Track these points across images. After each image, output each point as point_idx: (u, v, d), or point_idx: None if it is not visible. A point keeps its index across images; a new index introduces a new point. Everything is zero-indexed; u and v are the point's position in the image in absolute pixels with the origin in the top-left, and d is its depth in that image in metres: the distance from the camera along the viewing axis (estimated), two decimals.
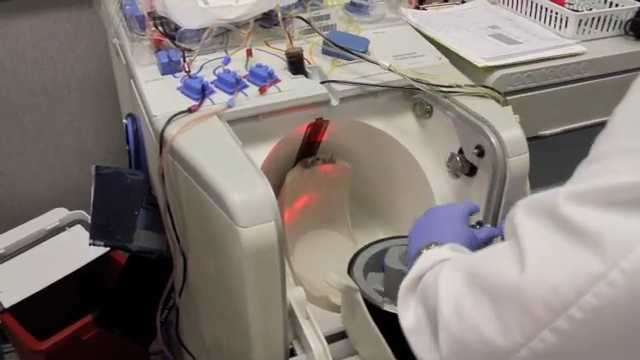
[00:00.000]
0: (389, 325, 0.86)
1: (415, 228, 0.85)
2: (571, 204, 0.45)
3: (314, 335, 0.89)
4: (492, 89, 1.06)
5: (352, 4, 1.24)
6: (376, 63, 1.06)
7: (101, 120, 1.74)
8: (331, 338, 0.95)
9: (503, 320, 0.50)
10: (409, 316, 0.66)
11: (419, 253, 0.73)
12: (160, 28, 1.09)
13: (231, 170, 0.85)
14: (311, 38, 1.15)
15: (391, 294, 0.90)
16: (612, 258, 0.42)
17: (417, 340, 0.64)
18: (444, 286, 0.59)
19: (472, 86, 1.07)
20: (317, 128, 1.11)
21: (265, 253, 0.81)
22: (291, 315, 0.91)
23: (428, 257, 0.70)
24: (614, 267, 0.42)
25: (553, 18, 1.37)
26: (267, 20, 1.15)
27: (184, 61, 1.05)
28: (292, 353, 0.92)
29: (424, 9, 1.49)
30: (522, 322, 0.48)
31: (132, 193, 1.12)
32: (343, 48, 1.09)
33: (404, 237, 1.03)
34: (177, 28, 1.08)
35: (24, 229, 1.59)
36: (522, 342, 0.48)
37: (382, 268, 0.94)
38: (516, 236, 0.50)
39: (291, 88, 1.03)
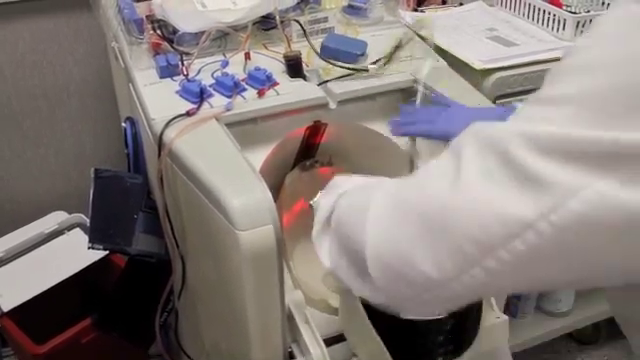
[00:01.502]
0: (387, 328, 0.86)
1: None
2: (520, 146, 0.43)
3: (313, 338, 0.90)
4: None
5: (350, 7, 1.24)
6: (365, 70, 1.07)
7: (100, 124, 1.74)
8: (330, 341, 0.95)
9: (436, 253, 0.50)
10: (327, 254, 0.67)
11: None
12: (158, 31, 1.09)
13: (229, 173, 0.86)
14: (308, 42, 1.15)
15: None
16: (544, 208, 0.42)
17: (345, 273, 0.64)
18: (368, 212, 0.58)
19: None
20: (315, 131, 1.11)
21: (264, 256, 0.81)
22: (290, 318, 0.91)
23: (332, 192, 0.71)
24: (544, 218, 0.42)
25: (551, 20, 1.37)
26: (265, 23, 1.15)
27: (182, 64, 1.05)
28: (291, 356, 0.92)
29: (422, 11, 1.49)
30: (454, 258, 0.48)
31: (131, 197, 1.12)
32: (332, 61, 1.09)
33: None
34: (175, 31, 1.08)
35: (23, 232, 1.59)
36: (453, 276, 0.49)
37: None
38: (459, 161, 0.49)
39: (289, 91, 1.03)
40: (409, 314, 0.59)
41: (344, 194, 0.68)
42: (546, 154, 0.42)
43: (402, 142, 1.11)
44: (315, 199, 0.80)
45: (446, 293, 0.51)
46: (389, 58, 1.09)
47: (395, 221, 0.55)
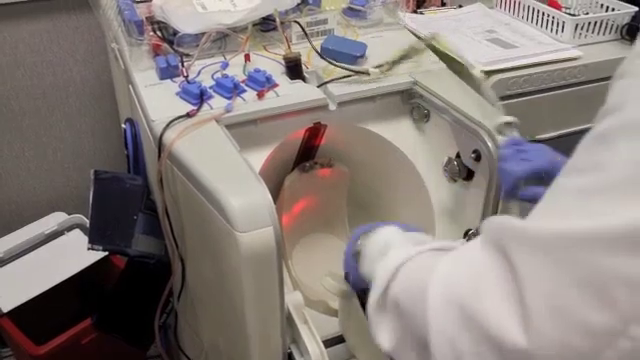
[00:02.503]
0: None
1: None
2: (581, 249, 0.42)
3: (312, 339, 0.90)
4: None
5: (350, 9, 1.24)
6: (367, 73, 1.07)
7: (100, 124, 1.74)
8: (329, 342, 0.96)
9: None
10: (386, 336, 0.64)
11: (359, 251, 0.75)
12: (158, 33, 1.09)
13: (229, 175, 0.86)
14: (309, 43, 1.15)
15: None
16: (630, 313, 0.41)
17: (403, 356, 0.62)
18: (434, 319, 0.55)
19: None
20: (315, 132, 1.11)
21: (263, 258, 0.81)
22: (289, 319, 0.91)
23: (387, 265, 0.66)
24: (633, 321, 0.41)
25: (550, 22, 1.37)
26: (265, 25, 1.16)
27: (182, 66, 1.05)
28: (290, 357, 0.92)
29: (422, 13, 1.50)
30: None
31: (131, 198, 1.12)
32: (334, 60, 1.09)
33: None
34: (175, 33, 1.08)
35: (23, 233, 1.59)
36: None
37: None
38: (514, 273, 0.47)
39: (289, 93, 1.04)
40: None
41: (397, 273, 0.64)
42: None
43: (400, 143, 1.12)
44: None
45: None
46: (391, 66, 1.09)
47: (456, 326, 0.52)
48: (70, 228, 1.64)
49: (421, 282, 0.58)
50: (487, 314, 0.49)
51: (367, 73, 1.07)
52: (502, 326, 0.47)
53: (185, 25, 1.07)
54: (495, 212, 0.99)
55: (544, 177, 0.84)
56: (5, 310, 1.41)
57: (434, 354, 0.54)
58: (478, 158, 1.00)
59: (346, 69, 1.07)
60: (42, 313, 1.42)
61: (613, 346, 0.42)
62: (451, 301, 0.53)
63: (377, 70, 1.07)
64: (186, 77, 1.04)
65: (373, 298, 0.66)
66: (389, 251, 0.71)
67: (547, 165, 0.83)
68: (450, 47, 1.10)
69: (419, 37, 1.22)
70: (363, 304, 0.89)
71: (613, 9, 1.39)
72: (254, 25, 1.12)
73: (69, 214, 1.65)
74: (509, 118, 0.95)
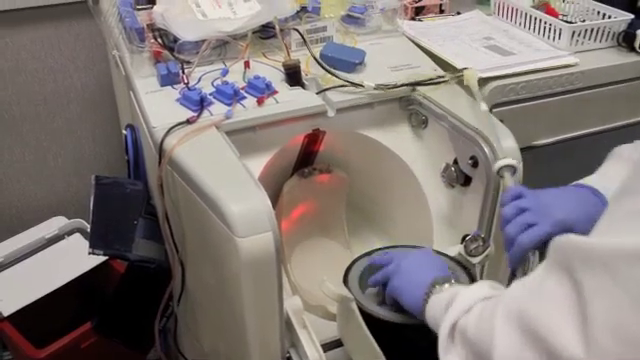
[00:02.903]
0: (383, 332, 0.87)
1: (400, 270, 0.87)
2: (634, 264, 0.45)
3: (311, 343, 0.90)
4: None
5: (349, 16, 1.25)
6: (361, 86, 1.08)
7: (100, 130, 1.75)
8: (327, 346, 0.96)
9: None
10: None
11: (432, 289, 0.76)
12: (159, 40, 1.10)
13: (229, 181, 0.87)
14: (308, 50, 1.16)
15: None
16: None
17: None
18: (501, 340, 0.57)
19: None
20: (314, 138, 1.12)
21: (262, 263, 0.82)
22: (288, 324, 0.92)
23: (464, 298, 0.69)
24: None
25: (547, 30, 1.38)
26: (265, 32, 1.17)
27: (183, 73, 1.06)
28: None
29: (420, 20, 1.51)
30: None
31: (131, 203, 1.13)
32: (333, 69, 1.10)
33: (400, 246, 1.04)
34: (176, 40, 1.09)
35: (23, 237, 1.60)
36: None
37: None
38: (578, 289, 0.49)
39: (288, 99, 1.05)
40: None
41: (469, 311, 0.67)
42: None
43: (398, 150, 1.13)
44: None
45: None
46: (397, 86, 1.10)
47: (520, 343, 0.54)
48: (70, 232, 1.64)
49: (491, 311, 0.61)
50: (549, 328, 0.51)
51: (361, 85, 1.08)
52: (563, 338, 0.50)
53: (185, 32, 1.09)
54: (492, 217, 1.00)
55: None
56: (6, 314, 1.42)
57: None
58: (475, 164, 1.01)
59: (342, 79, 1.08)
60: (42, 317, 1.42)
61: None
62: (516, 320, 0.56)
63: (372, 84, 1.07)
64: (186, 84, 1.05)
65: (445, 328, 0.68)
66: (462, 290, 0.73)
67: (554, 229, 0.80)
68: (474, 82, 1.10)
69: (454, 66, 1.22)
70: (361, 310, 0.89)
71: (610, 16, 1.40)
72: (254, 32, 1.13)
73: (69, 218, 1.65)
74: (509, 161, 0.94)
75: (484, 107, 1.03)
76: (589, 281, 0.49)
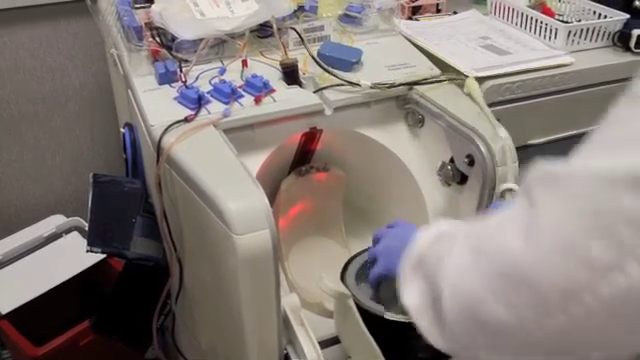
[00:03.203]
0: (381, 329, 0.88)
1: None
2: (592, 185, 0.44)
3: (308, 341, 0.91)
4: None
5: (346, 15, 1.26)
6: (358, 85, 1.08)
7: (98, 129, 1.76)
8: (325, 343, 0.97)
9: (513, 299, 0.49)
10: (414, 294, 0.65)
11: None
12: (157, 39, 1.11)
13: (227, 179, 0.87)
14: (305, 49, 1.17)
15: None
16: (636, 246, 0.42)
17: (424, 319, 0.63)
18: (449, 257, 0.58)
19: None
20: (311, 137, 1.13)
21: (260, 260, 0.83)
22: (285, 321, 0.92)
23: (428, 234, 0.69)
24: (634, 257, 0.42)
25: (543, 29, 1.39)
26: (262, 31, 1.17)
27: (181, 71, 1.07)
28: (286, 358, 0.93)
29: (417, 20, 1.51)
30: (534, 304, 0.48)
31: (129, 201, 1.13)
32: (330, 68, 1.11)
33: None
34: (174, 39, 1.10)
35: (21, 236, 1.60)
36: (532, 322, 0.48)
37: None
38: (533, 208, 0.49)
39: (286, 98, 1.05)
40: None
41: (436, 240, 0.67)
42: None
43: (395, 148, 1.13)
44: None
45: (523, 339, 0.50)
46: (390, 87, 1.11)
47: (472, 268, 0.54)
48: (68, 231, 1.65)
49: (451, 239, 0.61)
50: (495, 239, 0.52)
51: (358, 85, 1.08)
52: (505, 242, 0.50)
53: (183, 31, 1.09)
54: None
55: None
56: (4, 312, 1.42)
57: (445, 299, 0.56)
58: (471, 163, 1.02)
59: (339, 78, 1.09)
60: (41, 315, 1.43)
61: (608, 281, 0.43)
62: (470, 245, 0.56)
63: (368, 83, 1.08)
64: (184, 82, 1.05)
65: (408, 259, 0.68)
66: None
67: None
68: (477, 92, 1.11)
69: (460, 71, 1.22)
70: (358, 307, 0.90)
71: (605, 16, 1.41)
72: (251, 31, 1.14)
73: (67, 217, 1.66)
74: (511, 185, 0.96)
75: (503, 133, 1.03)
76: (542, 196, 0.49)
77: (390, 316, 0.90)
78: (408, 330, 0.88)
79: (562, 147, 1.36)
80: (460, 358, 0.65)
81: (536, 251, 0.48)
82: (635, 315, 0.45)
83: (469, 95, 1.11)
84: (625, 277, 0.43)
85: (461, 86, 1.14)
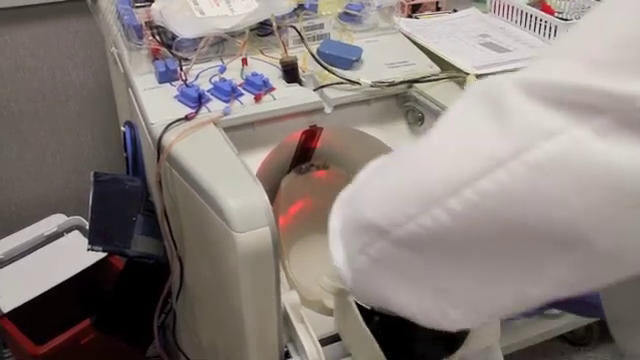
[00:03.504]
0: (380, 326, 0.88)
1: None
2: (512, 88, 0.41)
3: (308, 338, 0.91)
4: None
5: (346, 13, 1.26)
6: (358, 83, 1.09)
7: (99, 127, 1.76)
8: (325, 341, 0.97)
9: (394, 190, 0.47)
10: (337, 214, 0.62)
11: None
12: (157, 37, 1.11)
13: (227, 176, 0.87)
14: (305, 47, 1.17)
15: None
16: (519, 147, 0.40)
17: (331, 237, 0.60)
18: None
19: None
20: (311, 135, 1.13)
21: (260, 258, 0.83)
22: (286, 318, 0.92)
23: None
24: (517, 157, 0.39)
25: (542, 27, 1.39)
26: (262, 29, 1.17)
27: (181, 70, 1.07)
28: (287, 355, 0.94)
29: (417, 18, 1.51)
30: (412, 195, 0.45)
31: (130, 199, 1.14)
32: (330, 66, 1.11)
33: None
34: (174, 37, 1.10)
35: (22, 235, 1.61)
36: (412, 215, 0.45)
37: None
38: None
39: (286, 96, 1.05)
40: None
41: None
42: (535, 98, 0.40)
43: (395, 146, 1.13)
44: None
45: (402, 237, 0.46)
46: (390, 85, 1.11)
47: (370, 171, 0.55)
48: (69, 230, 1.65)
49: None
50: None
51: (358, 83, 1.08)
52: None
53: (184, 30, 1.09)
54: None
55: None
56: (5, 311, 1.43)
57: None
58: None
59: (339, 77, 1.09)
60: (42, 314, 1.43)
61: (493, 175, 0.41)
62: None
63: (368, 81, 1.08)
64: (184, 81, 1.06)
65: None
66: None
67: None
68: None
69: (460, 69, 1.22)
70: (358, 304, 0.90)
71: None
72: (251, 30, 1.14)
73: (68, 216, 1.66)
74: None
75: None
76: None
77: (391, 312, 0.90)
78: (408, 326, 0.89)
79: None
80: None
81: (429, 134, 0.46)
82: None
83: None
84: (508, 175, 0.40)
85: (461, 84, 1.14)
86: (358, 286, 0.56)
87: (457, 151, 0.43)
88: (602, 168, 0.38)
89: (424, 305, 0.51)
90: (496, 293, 0.47)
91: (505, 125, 0.40)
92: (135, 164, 1.18)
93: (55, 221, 1.65)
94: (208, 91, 1.04)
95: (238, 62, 1.10)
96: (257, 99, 1.03)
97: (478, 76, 1.20)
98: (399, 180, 0.48)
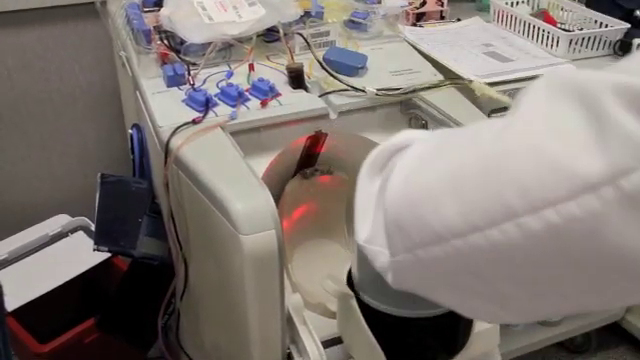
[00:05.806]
0: (382, 329, 0.89)
1: None
2: (614, 96, 0.34)
3: (311, 340, 0.92)
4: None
5: (351, 21, 1.27)
6: (363, 91, 1.10)
7: (104, 129, 1.78)
8: (327, 343, 0.98)
9: (463, 197, 0.42)
10: (366, 192, 0.58)
11: None
12: (166, 42, 1.12)
13: (233, 180, 0.89)
14: (311, 54, 1.19)
15: None
16: (617, 170, 0.34)
17: (360, 213, 0.56)
18: (413, 148, 0.51)
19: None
20: (316, 140, 1.14)
21: (265, 260, 0.84)
22: (289, 321, 0.94)
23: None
24: (613, 181, 0.34)
25: (545, 37, 1.41)
26: (269, 36, 1.19)
27: (189, 74, 1.09)
28: (289, 357, 0.95)
29: (421, 26, 1.53)
30: (489, 204, 0.40)
31: (136, 201, 1.15)
32: (335, 73, 1.13)
33: None
34: (182, 42, 1.11)
35: (27, 234, 1.62)
36: (479, 226, 0.40)
37: None
38: (516, 108, 0.42)
39: (291, 102, 1.07)
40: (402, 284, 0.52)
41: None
42: (635, 112, 0.33)
43: None
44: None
45: (461, 248, 0.42)
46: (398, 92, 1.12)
47: (430, 157, 0.48)
48: (74, 230, 1.66)
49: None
50: (465, 137, 0.46)
51: (363, 91, 1.10)
52: (477, 136, 0.44)
53: (192, 35, 1.11)
54: None
55: None
56: (10, 309, 1.44)
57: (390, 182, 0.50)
58: None
59: (345, 83, 1.11)
60: (46, 312, 1.44)
61: (582, 200, 0.35)
62: (434, 141, 0.51)
63: (373, 89, 1.10)
64: (192, 85, 1.07)
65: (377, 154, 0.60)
66: None
67: None
68: (489, 91, 1.12)
69: (463, 77, 1.24)
70: (360, 306, 0.91)
71: (606, 25, 1.43)
72: (258, 36, 1.16)
73: (73, 216, 1.67)
74: None
75: None
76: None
77: (395, 312, 0.90)
78: (414, 327, 0.90)
79: None
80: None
81: (514, 141, 0.40)
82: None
83: (482, 97, 1.12)
84: (616, 191, 0.35)
85: (463, 91, 1.16)
86: (397, 279, 0.52)
87: (543, 161, 0.37)
88: None
89: (469, 305, 0.48)
90: (555, 306, 0.44)
91: (605, 138, 0.34)
92: (142, 166, 1.20)
93: (60, 221, 1.66)
94: (215, 96, 1.05)
95: (245, 67, 1.12)
96: (263, 104, 1.05)
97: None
98: (468, 183, 0.42)
